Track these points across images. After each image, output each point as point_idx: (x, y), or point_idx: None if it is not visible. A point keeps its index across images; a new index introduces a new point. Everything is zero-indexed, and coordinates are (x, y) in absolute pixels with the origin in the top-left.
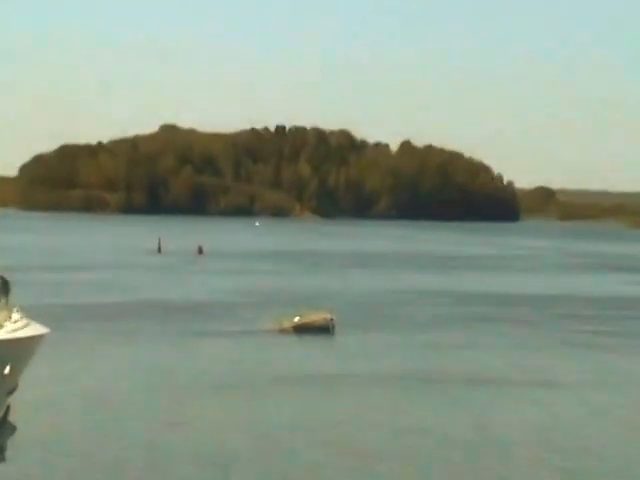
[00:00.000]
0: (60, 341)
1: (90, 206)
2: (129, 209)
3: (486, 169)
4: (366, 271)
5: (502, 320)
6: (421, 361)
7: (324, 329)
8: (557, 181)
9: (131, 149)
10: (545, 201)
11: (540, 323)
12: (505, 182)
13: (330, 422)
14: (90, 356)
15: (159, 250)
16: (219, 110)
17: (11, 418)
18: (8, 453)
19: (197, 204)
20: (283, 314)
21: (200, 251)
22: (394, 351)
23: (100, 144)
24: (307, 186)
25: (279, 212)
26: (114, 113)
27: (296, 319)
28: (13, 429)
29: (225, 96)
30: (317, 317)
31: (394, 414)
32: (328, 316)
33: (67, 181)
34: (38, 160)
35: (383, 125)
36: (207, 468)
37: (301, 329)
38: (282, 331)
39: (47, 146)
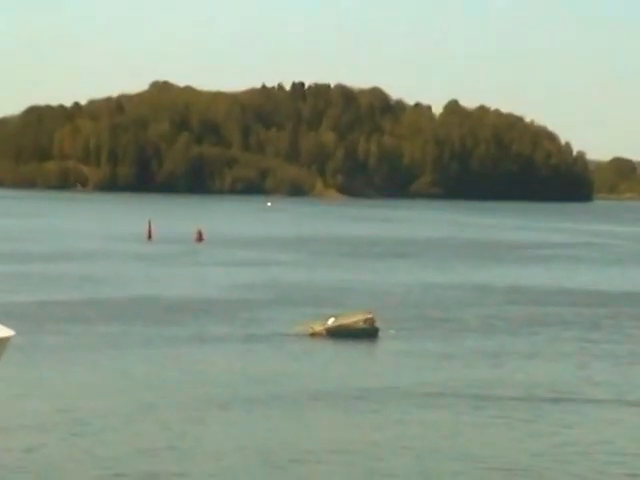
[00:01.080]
0: (28, 345)
1: (66, 182)
2: (113, 186)
3: (551, 137)
4: (405, 263)
5: (574, 323)
6: (478, 373)
7: (365, 333)
8: (639, 152)
9: (115, 112)
10: (624, 176)
11: (621, 327)
12: (575, 153)
13: (369, 445)
14: (65, 364)
15: (149, 236)
16: (222, 64)
17: None
18: None
19: (196, 180)
20: (314, 316)
21: (199, 237)
22: (448, 361)
23: (77, 106)
24: (331, 158)
25: (297, 190)
26: (94, 67)
27: (330, 321)
28: None
29: (229, 47)
30: (356, 318)
31: (448, 436)
32: (370, 317)
33: (37, 152)
34: (2, 125)
35: (424, 82)
36: None
37: (337, 333)
38: (313, 335)
39: (11, 108)
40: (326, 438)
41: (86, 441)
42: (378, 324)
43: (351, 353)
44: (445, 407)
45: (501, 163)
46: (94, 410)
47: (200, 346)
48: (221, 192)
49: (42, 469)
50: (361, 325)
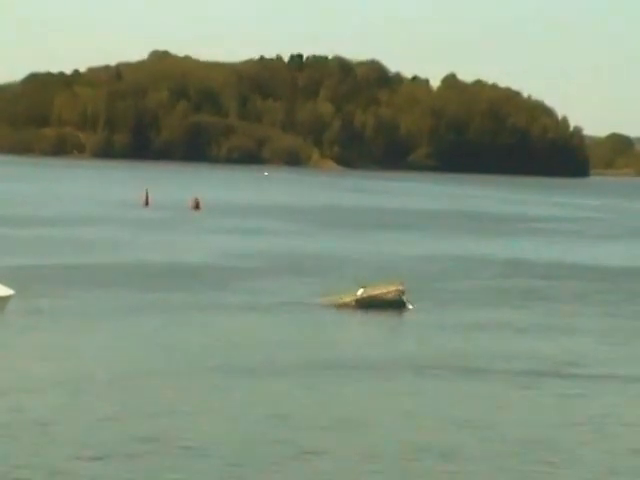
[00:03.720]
0: (25, 307)
1: (63, 148)
2: (110, 152)
3: (548, 112)
4: (404, 234)
5: (577, 294)
6: (490, 344)
7: (396, 303)
8: (636, 128)
9: (114, 80)
10: (621, 152)
11: (617, 302)
12: (572, 128)
13: (395, 413)
14: (62, 326)
15: (146, 203)
16: (221, 34)
17: None
18: None
19: (193, 148)
20: (343, 287)
21: (196, 205)
22: (471, 332)
23: (77, 73)
24: (328, 129)
25: (293, 160)
26: (93, 35)
27: (360, 292)
28: None
29: (227, 17)
30: (387, 289)
31: (476, 408)
32: (401, 288)
33: (36, 118)
34: (1, 92)
35: (421, 56)
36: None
37: (366, 304)
38: (343, 306)
39: (11, 75)
40: (351, 406)
41: (88, 403)
42: (404, 294)
43: (380, 323)
44: (472, 376)
45: (497, 136)
46: (92, 369)
47: (212, 314)
48: (217, 161)
49: (41, 431)
50: (391, 297)
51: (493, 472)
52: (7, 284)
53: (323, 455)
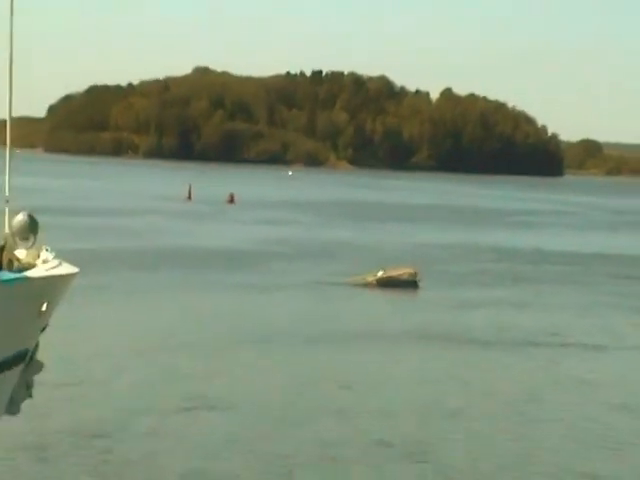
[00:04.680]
0: (88, 283)
1: (119, 150)
2: (159, 154)
3: (530, 120)
4: (408, 225)
5: (557, 277)
6: (486, 318)
7: (410, 283)
8: (604, 134)
9: (163, 91)
10: (591, 155)
11: (590, 282)
12: (549, 134)
13: (402, 374)
14: (122, 301)
15: (189, 197)
16: (253, 53)
17: (39, 356)
18: (35, 390)
19: (229, 151)
20: (364, 269)
21: (231, 200)
22: (474, 308)
23: (131, 85)
24: (343, 134)
25: (313, 161)
26: (145, 52)
27: (379, 273)
28: (40, 366)
29: (260, 39)
30: (402, 271)
31: (475, 374)
32: (414, 271)
33: (96, 123)
34: (67, 101)
35: (423, 72)
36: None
37: (385, 283)
38: (365, 285)
39: (76, 86)
40: (371, 368)
41: (141, 364)
42: (419, 277)
43: (399, 299)
44: (496, 346)
45: (486, 142)
46: (145, 338)
47: (259, 291)
48: (248, 161)
49: (103, 388)
50: (406, 277)
51: (490, 427)
52: (72, 264)
53: (343, 412)
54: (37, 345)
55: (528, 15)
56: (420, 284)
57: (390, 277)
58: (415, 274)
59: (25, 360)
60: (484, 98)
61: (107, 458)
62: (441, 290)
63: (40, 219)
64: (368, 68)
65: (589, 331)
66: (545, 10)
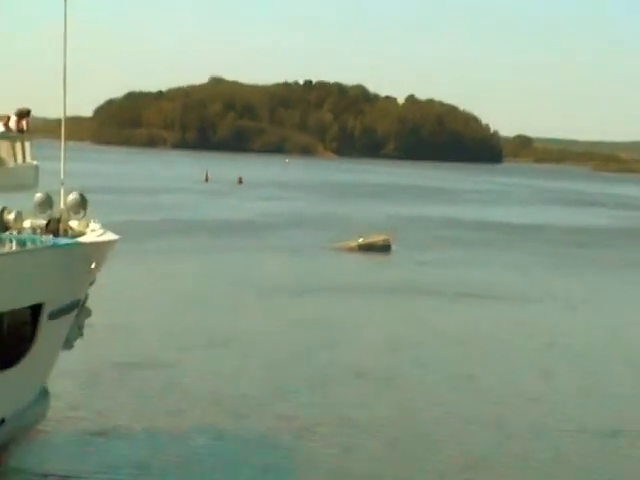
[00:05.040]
0: (128, 248)
1: (151, 142)
2: (183, 146)
3: (476, 120)
4: (382, 201)
5: (497, 243)
6: (440, 274)
7: (384, 248)
8: (534, 130)
9: (185, 96)
10: (523, 147)
11: (521, 246)
12: (491, 131)
13: (377, 318)
14: (154, 261)
15: (206, 179)
16: (258, 66)
17: (88, 304)
18: (85, 330)
19: (238, 143)
20: (347, 235)
21: (240, 181)
22: (432, 265)
23: (160, 92)
24: (329, 130)
25: (305, 151)
26: (172, 65)
27: (360, 239)
28: (89, 312)
29: (263, 54)
30: (378, 238)
31: (431, 317)
32: (387, 237)
33: (133, 121)
34: (109, 104)
35: (392, 81)
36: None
37: (365, 247)
38: (348, 249)
39: (117, 92)
40: (353, 313)
41: (180, 311)
42: (391, 241)
43: (376, 260)
44: (448, 296)
45: (442, 137)
46: (178, 287)
47: (264, 254)
48: (254, 151)
49: (181, 328)
50: (381, 242)
51: (441, 353)
52: (114, 232)
53: (329, 346)
54: (87, 296)
55: (476, 34)
56: (392, 248)
57: (368, 243)
58: (388, 240)
59: (78, 307)
60: (440, 102)
61: (144, 383)
62: (409, 253)
63: (88, 197)
64: (348, 78)
65: (522, 283)
66: (490, 30)
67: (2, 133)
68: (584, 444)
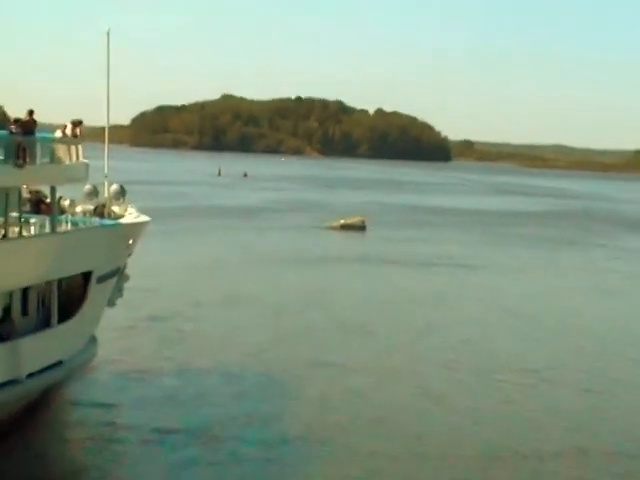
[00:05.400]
0: (158, 228)
1: (176, 145)
2: (200, 147)
3: (430, 128)
4: (357, 191)
5: (448, 224)
6: (407, 248)
7: (361, 227)
8: (475, 135)
9: (202, 109)
10: (467, 148)
11: (469, 226)
12: (442, 136)
13: (355, 282)
14: (179, 237)
15: (219, 174)
16: (260, 85)
17: (127, 271)
18: (125, 292)
19: (244, 146)
20: (331, 218)
21: (245, 175)
22: (397, 241)
23: (183, 106)
24: (315, 135)
25: (297, 152)
26: (191, 84)
27: (341, 221)
28: (127, 278)
29: (264, 76)
30: (356, 219)
31: (397, 282)
32: (362, 219)
33: (161, 128)
34: (142, 115)
35: (364, 97)
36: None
37: (345, 227)
38: (331, 228)
39: (149, 106)
40: (335, 278)
41: (200, 278)
42: (366, 222)
43: (354, 237)
44: (410, 265)
45: (403, 141)
46: (200, 259)
47: (268, 231)
48: (256, 152)
49: (179, 291)
50: (358, 223)
51: (407, 311)
52: (147, 215)
53: (319, 304)
54: (126, 265)
55: (431, 58)
56: (367, 227)
57: (348, 223)
58: (363, 221)
59: (119, 274)
60: (403, 114)
61: (169, 332)
62: (379, 231)
63: (126, 187)
64: (330, 95)
65: (471, 256)
66: (440, 55)
67: (61, 138)
68: (504, 368)
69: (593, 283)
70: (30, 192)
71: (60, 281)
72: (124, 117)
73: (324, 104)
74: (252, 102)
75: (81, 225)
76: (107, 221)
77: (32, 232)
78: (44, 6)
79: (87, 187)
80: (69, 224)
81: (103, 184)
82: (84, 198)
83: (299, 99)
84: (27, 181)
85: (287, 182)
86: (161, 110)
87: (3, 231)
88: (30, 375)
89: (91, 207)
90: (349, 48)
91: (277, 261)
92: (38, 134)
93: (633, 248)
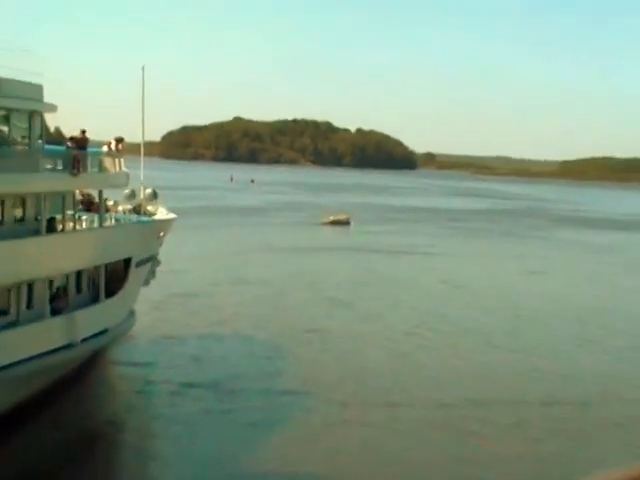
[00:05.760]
0: (183, 224)
1: (197, 157)
2: (216, 159)
3: (401, 143)
4: (343, 194)
5: (415, 220)
6: (384, 239)
7: (346, 223)
8: (436, 148)
9: (218, 128)
10: (429, 159)
11: (432, 221)
12: (410, 149)
13: (342, 266)
14: (200, 232)
15: (231, 180)
16: (264, 109)
17: (159, 257)
18: (157, 274)
19: (251, 157)
20: (322, 215)
21: (252, 181)
22: (383, 235)
23: (204, 125)
24: (308, 149)
25: (293, 163)
26: (209, 109)
27: (331, 218)
28: (159, 262)
29: (266, 102)
30: (342, 216)
31: (375, 266)
32: (348, 216)
33: (185, 144)
34: (170, 133)
35: (347, 118)
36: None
37: (334, 223)
38: (323, 224)
39: (175, 125)
40: (325, 264)
41: (209, 264)
42: (350, 219)
43: (341, 231)
44: (385, 253)
45: (379, 154)
46: (220, 251)
47: (268, 226)
48: (261, 163)
49: (186, 277)
50: (344, 219)
51: (383, 290)
52: (174, 213)
53: (312, 285)
54: (158, 252)
55: (399, 86)
56: (351, 223)
57: (336, 220)
58: (348, 218)
59: (152, 259)
60: (378, 132)
61: (193, 306)
62: (361, 226)
63: (159, 191)
64: (320, 116)
65: (432, 245)
66: (407, 82)
67: (107, 152)
68: (457, 332)
69: (528, 266)
70: (82, 195)
71: (106, 265)
72: (156, 135)
73: (315, 124)
74: (258, 123)
75: (122, 221)
76: (143, 218)
77: (84, 227)
78: (94, 46)
79: (127, 191)
80: (113, 220)
81: (139, 188)
82: (124, 199)
83: (295, 120)
84: (80, 186)
85: (286, 187)
86: (185, 129)
87: (61, 226)
88: (84, 340)
89: (130, 207)
90: (334, 79)
91: (279, 250)
92: (89, 149)
93: (562, 238)
